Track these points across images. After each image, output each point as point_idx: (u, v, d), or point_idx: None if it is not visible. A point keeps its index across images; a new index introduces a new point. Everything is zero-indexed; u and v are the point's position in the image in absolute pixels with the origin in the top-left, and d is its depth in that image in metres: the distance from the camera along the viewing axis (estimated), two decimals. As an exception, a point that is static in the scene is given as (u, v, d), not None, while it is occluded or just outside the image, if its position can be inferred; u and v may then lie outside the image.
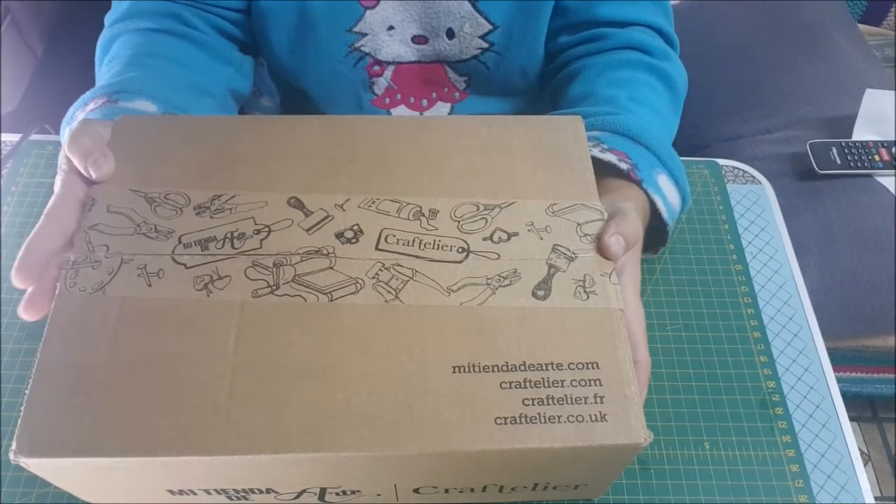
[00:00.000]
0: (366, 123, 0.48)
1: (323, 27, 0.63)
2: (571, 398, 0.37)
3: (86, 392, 0.36)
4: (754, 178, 0.70)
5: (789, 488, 0.50)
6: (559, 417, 0.37)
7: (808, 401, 0.55)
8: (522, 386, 0.37)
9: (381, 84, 0.70)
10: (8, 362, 0.54)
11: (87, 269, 0.40)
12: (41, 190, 0.65)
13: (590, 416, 0.37)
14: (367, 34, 0.64)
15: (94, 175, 0.43)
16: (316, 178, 0.44)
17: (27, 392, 0.36)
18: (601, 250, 0.42)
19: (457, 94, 0.72)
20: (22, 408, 0.36)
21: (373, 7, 0.63)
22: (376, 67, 0.68)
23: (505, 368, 0.38)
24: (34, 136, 0.68)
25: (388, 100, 0.71)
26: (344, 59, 0.66)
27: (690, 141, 1.08)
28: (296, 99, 0.73)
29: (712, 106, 1.11)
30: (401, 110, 0.72)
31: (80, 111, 0.52)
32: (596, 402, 0.37)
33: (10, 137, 0.68)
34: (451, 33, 0.64)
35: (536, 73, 0.69)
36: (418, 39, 0.66)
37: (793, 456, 0.52)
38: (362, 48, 0.66)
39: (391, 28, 0.64)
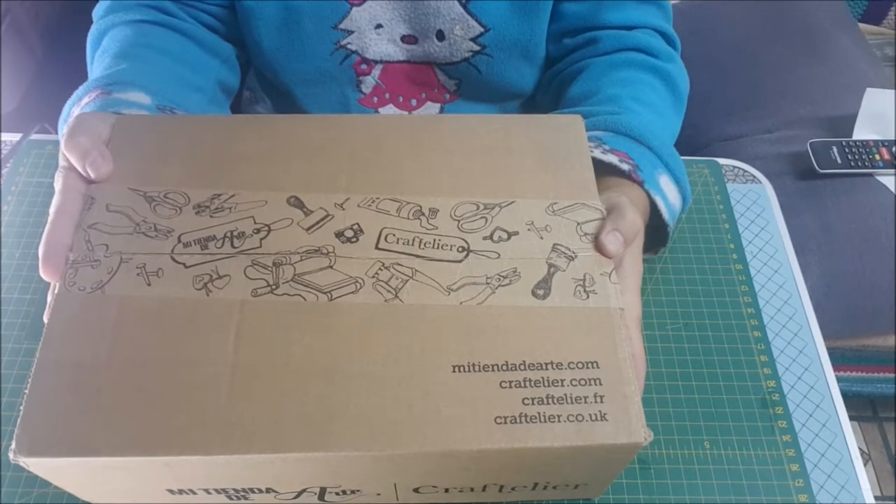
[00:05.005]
0: (365, 122, 0.47)
1: (307, 23, 0.62)
2: (571, 397, 0.37)
3: (85, 391, 0.36)
4: (754, 177, 0.70)
5: (789, 488, 0.50)
6: (559, 417, 0.36)
7: (809, 400, 0.55)
8: (522, 385, 0.37)
9: (369, 83, 0.69)
10: (8, 362, 0.54)
11: (86, 269, 0.40)
12: (41, 190, 0.65)
13: (590, 415, 0.37)
14: (353, 31, 0.63)
15: (92, 175, 0.43)
16: (316, 177, 0.44)
17: (26, 391, 0.36)
18: (599, 248, 0.42)
19: (447, 96, 0.71)
20: (21, 407, 0.36)
21: (359, 4, 0.62)
22: (363, 66, 0.67)
23: (505, 368, 0.38)
24: (34, 136, 0.68)
25: (375, 98, 0.70)
26: (329, 56, 0.65)
27: (691, 140, 1.08)
28: (285, 103, 0.72)
29: (713, 105, 1.11)
30: (389, 110, 0.71)
31: (76, 107, 0.52)
32: (596, 402, 0.37)
33: (11, 137, 0.68)
34: (441, 35, 0.63)
35: (531, 79, 0.68)
36: (407, 39, 0.65)
37: (793, 455, 0.52)
38: (348, 46, 0.64)
39: (379, 26, 0.63)
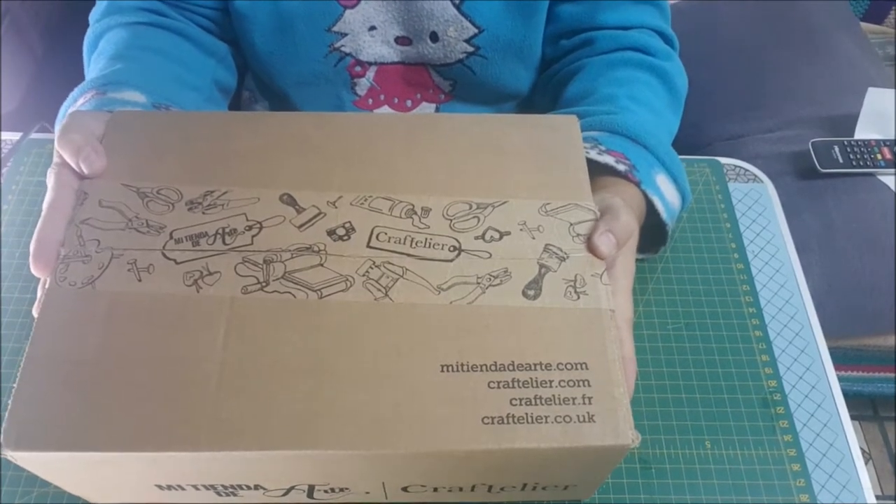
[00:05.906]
0: (360, 121, 0.47)
1: (301, 27, 0.62)
2: (559, 398, 0.37)
3: (74, 386, 0.36)
4: (756, 176, 0.69)
5: (791, 487, 0.50)
6: (546, 418, 0.36)
7: (810, 400, 0.55)
8: (510, 386, 0.37)
9: (364, 85, 0.68)
10: (8, 362, 0.54)
11: (77, 264, 0.40)
12: (41, 189, 0.65)
13: (577, 416, 0.36)
14: (347, 34, 0.63)
15: (85, 171, 0.43)
16: (309, 175, 0.44)
17: (14, 385, 0.36)
18: (591, 249, 0.42)
19: (442, 97, 0.71)
20: (10, 401, 0.36)
21: (352, 7, 0.61)
22: (358, 68, 0.67)
23: (493, 368, 0.37)
24: (34, 135, 0.68)
25: (370, 100, 0.70)
26: (324, 59, 0.65)
27: (692, 140, 1.07)
28: (281, 105, 0.72)
29: (714, 105, 1.11)
30: (384, 111, 0.71)
31: (72, 108, 0.52)
32: (584, 403, 0.37)
33: (11, 137, 0.69)
34: (434, 36, 0.63)
35: (527, 80, 0.68)
36: (401, 41, 0.64)
37: (794, 455, 0.52)
38: (342, 48, 0.64)
39: (373, 28, 0.63)
